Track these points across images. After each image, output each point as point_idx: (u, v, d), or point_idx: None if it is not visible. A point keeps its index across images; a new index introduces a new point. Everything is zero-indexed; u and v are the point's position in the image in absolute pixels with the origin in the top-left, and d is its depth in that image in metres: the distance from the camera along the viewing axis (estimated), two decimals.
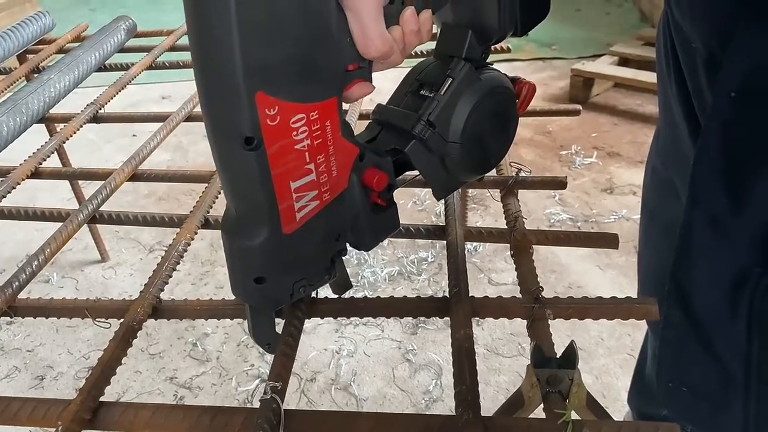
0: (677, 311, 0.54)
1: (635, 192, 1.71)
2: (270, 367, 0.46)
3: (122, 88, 1.00)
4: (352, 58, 0.38)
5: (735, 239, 0.48)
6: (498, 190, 0.70)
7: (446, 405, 1.15)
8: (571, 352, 0.45)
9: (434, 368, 1.22)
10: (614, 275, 1.43)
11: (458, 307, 0.52)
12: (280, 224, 0.38)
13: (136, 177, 0.78)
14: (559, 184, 0.70)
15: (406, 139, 0.42)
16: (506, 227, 0.62)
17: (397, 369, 1.23)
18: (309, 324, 1.34)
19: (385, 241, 1.61)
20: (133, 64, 1.08)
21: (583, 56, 2.66)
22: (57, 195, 1.82)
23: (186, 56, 1.27)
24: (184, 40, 1.23)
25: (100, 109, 0.93)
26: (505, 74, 0.46)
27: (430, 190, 0.47)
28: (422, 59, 0.46)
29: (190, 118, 0.91)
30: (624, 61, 2.32)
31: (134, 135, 2.28)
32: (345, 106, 0.43)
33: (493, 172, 0.73)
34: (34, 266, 0.60)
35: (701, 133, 0.49)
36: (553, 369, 0.45)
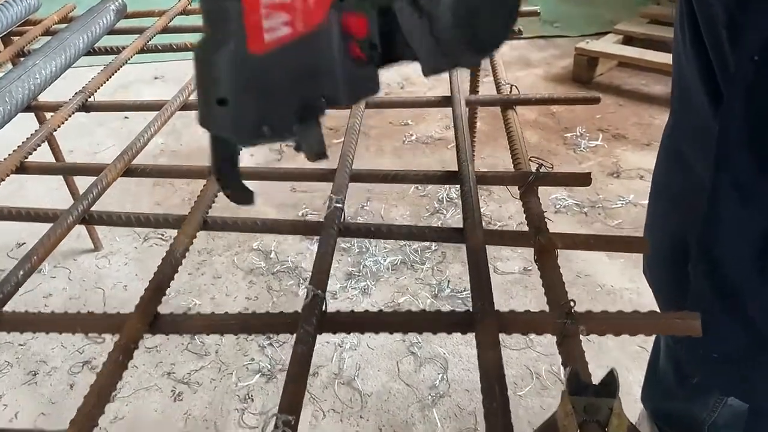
0: (704, 281, 0.54)
1: (642, 176, 1.67)
2: (280, 396, 0.42)
3: (113, 74, 0.94)
4: None
5: (763, 202, 0.48)
6: (516, 187, 0.66)
7: (453, 400, 1.12)
8: (611, 379, 0.41)
9: (440, 362, 1.19)
10: (623, 264, 1.39)
11: (484, 324, 0.48)
12: (246, 40, 0.36)
13: (129, 172, 0.73)
14: (584, 179, 0.66)
15: None
16: (527, 228, 0.58)
17: (402, 363, 1.19)
18: None
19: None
20: (124, 48, 1.02)
21: (585, 34, 2.60)
22: (46, 183, 1.76)
23: (179, 38, 1.22)
24: (177, 21, 1.17)
25: (90, 96, 0.88)
26: None
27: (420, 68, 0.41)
28: None
29: (185, 107, 0.85)
30: (628, 40, 2.26)
31: (126, 117, 2.21)
32: None
33: (510, 167, 0.69)
34: (19, 276, 0.55)
35: (724, 99, 0.48)
36: (591, 397, 0.41)
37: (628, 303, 1.28)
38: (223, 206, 0.60)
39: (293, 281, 1.40)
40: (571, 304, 0.49)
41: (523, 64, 2.36)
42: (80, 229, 1.61)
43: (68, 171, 0.77)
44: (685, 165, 0.65)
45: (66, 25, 1.12)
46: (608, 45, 2.16)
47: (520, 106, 0.81)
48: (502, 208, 1.60)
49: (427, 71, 0.41)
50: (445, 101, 0.83)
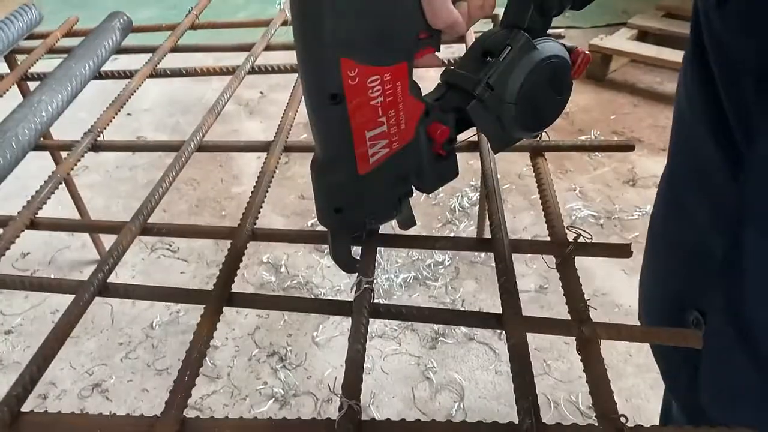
0: (722, 324, 0.53)
1: (657, 184, 1.64)
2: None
3: (122, 107, 0.90)
4: (422, 28, 0.44)
5: None
6: (553, 257, 0.63)
7: None
8: None
9: (456, 389, 1.17)
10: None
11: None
12: (356, 166, 0.47)
13: (146, 231, 0.70)
14: (624, 251, 0.63)
15: (467, 98, 0.48)
16: (569, 315, 0.55)
17: (417, 389, 1.18)
18: (323, 337, 1.29)
19: None
20: (131, 72, 0.98)
21: (598, 25, 2.54)
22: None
23: (190, 61, 1.17)
24: (187, 39, 1.13)
25: (99, 135, 0.84)
26: (563, 44, 0.49)
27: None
28: (490, 29, 0.51)
29: (201, 148, 0.82)
30: (643, 35, 2.21)
31: (129, 114, 2.17)
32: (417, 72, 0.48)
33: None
34: (33, 370, 0.53)
35: (748, 160, 0.46)
36: None
37: None
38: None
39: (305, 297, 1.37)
40: (620, 419, 0.47)
41: None
42: (86, 239, 1.58)
43: (80, 228, 0.74)
44: (684, 219, 0.62)
45: (70, 43, 1.08)
46: (622, 42, 2.10)
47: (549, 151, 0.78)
48: (516, 219, 1.57)
49: (496, 150, 0.53)
50: (473, 147, 0.79)
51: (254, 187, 0.72)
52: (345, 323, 1.30)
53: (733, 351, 0.53)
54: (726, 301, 0.53)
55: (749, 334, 0.51)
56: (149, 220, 0.71)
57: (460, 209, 1.62)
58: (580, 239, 0.63)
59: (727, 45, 0.47)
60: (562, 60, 0.48)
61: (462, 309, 0.57)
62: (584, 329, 0.52)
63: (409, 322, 1.30)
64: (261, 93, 2.21)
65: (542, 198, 0.69)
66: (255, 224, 0.68)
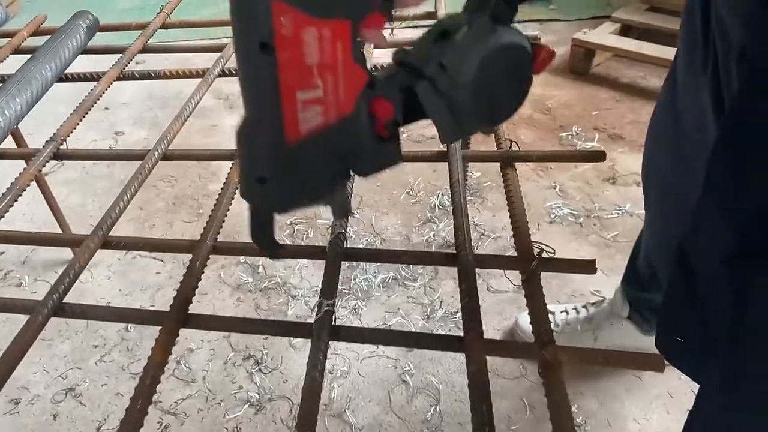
0: (679, 274, 0.60)
1: (638, 183, 1.63)
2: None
3: (86, 113, 0.88)
4: None
5: (737, 219, 0.53)
6: (518, 272, 0.62)
7: None
8: None
9: (432, 392, 1.17)
10: (619, 280, 1.37)
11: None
12: (284, 132, 0.42)
13: (106, 245, 0.68)
14: (588, 267, 0.62)
15: (417, 78, 0.45)
16: (533, 341, 0.54)
17: (394, 392, 1.17)
18: (299, 340, 1.28)
19: (378, 242, 1.52)
20: (98, 74, 0.96)
21: (582, 18, 2.52)
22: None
23: (160, 63, 1.14)
24: (157, 38, 1.10)
25: (62, 144, 0.82)
26: (527, 36, 0.46)
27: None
28: (453, 12, 0.48)
29: (166, 157, 0.80)
30: (626, 29, 2.19)
31: (107, 108, 2.13)
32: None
33: (512, 250, 0.65)
34: None
35: (723, 118, 0.54)
36: None
37: None
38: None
39: (282, 299, 1.36)
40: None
41: None
42: None
43: (39, 242, 0.72)
44: (687, 165, 0.72)
45: (37, 43, 1.05)
46: (605, 36, 2.09)
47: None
48: (495, 218, 1.56)
49: (444, 140, 0.48)
50: (441, 156, 0.78)
51: (217, 199, 0.71)
52: None
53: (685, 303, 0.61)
54: (683, 254, 0.60)
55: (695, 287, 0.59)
56: (117, 229, 0.69)
57: (440, 207, 1.60)
58: (544, 254, 0.62)
59: (724, 25, 0.55)
60: (523, 50, 0.45)
61: (427, 335, 0.56)
62: (546, 353, 0.52)
63: (387, 324, 1.29)
64: None
65: (511, 212, 0.67)
66: (216, 238, 0.66)
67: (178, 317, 0.57)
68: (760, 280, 0.54)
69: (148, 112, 2.11)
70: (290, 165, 0.44)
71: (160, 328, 0.56)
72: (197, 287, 0.62)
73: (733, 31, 0.53)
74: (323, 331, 0.53)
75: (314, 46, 0.39)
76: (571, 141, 1.82)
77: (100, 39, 1.12)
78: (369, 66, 0.46)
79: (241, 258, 1.48)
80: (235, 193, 0.73)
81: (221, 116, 2.04)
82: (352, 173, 0.48)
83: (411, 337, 0.56)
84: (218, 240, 0.67)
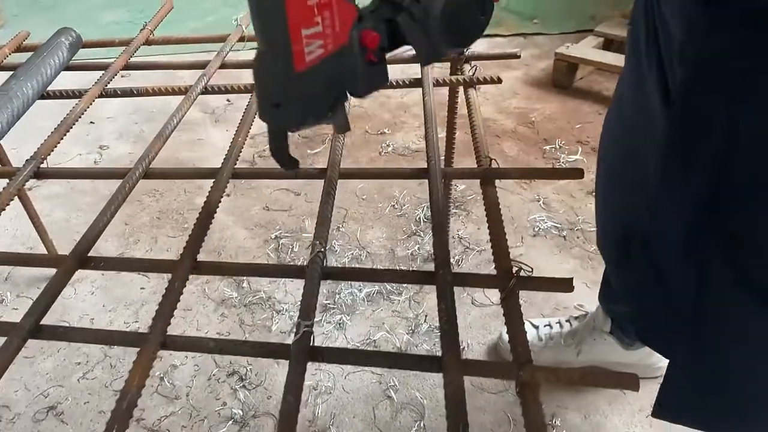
0: (643, 258, 0.67)
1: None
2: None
3: (67, 131, 0.88)
4: None
5: (691, 202, 0.59)
6: (497, 291, 0.63)
7: None
8: None
9: (417, 408, 1.17)
10: None
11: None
12: (293, 62, 0.50)
13: (84, 265, 0.68)
14: (567, 285, 0.63)
15: (398, 10, 0.54)
16: (511, 360, 0.54)
17: (378, 408, 1.17)
18: None
19: (363, 255, 1.52)
20: (80, 92, 0.96)
21: (565, 32, 2.55)
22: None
23: (146, 77, 1.14)
24: (140, 53, 1.10)
25: (42, 162, 0.82)
26: None
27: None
28: None
29: (147, 175, 0.80)
30: (609, 42, 2.22)
31: (92, 122, 2.13)
32: None
33: (492, 269, 0.65)
34: None
35: (670, 110, 0.60)
36: None
37: None
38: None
39: (266, 314, 1.36)
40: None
41: (502, 65, 2.30)
42: (43, 251, 1.55)
43: (18, 263, 0.72)
44: (639, 160, 0.76)
45: (19, 60, 1.05)
46: (588, 50, 2.11)
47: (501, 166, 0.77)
48: (480, 231, 1.57)
49: (423, 62, 0.58)
50: (422, 173, 0.79)
51: (197, 219, 0.71)
52: None
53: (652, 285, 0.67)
54: (642, 233, 0.67)
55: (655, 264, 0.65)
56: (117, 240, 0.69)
57: (426, 220, 1.61)
58: (523, 273, 0.62)
59: (667, 24, 0.61)
60: None
61: (404, 353, 0.56)
62: (523, 373, 0.52)
63: (372, 339, 1.29)
64: (228, 100, 2.19)
65: (490, 230, 0.68)
66: (197, 257, 0.66)
67: (157, 340, 0.57)
68: (717, 259, 0.59)
69: (133, 126, 2.10)
70: (299, 90, 0.53)
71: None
72: (176, 308, 0.61)
73: (674, 30, 0.59)
74: (301, 353, 0.53)
75: None
76: (555, 154, 1.84)
77: (85, 53, 1.12)
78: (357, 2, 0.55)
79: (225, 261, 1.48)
80: (216, 212, 0.73)
81: (207, 130, 2.04)
82: (348, 95, 0.57)
83: (390, 358, 0.57)
84: (199, 260, 0.67)
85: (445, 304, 0.57)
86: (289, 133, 0.60)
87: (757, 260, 0.59)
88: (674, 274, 0.64)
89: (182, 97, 0.94)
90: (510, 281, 0.61)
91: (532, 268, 0.63)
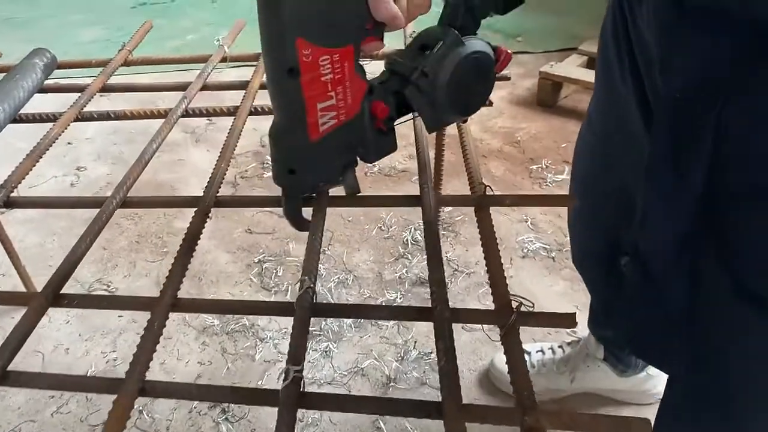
0: (637, 271, 0.66)
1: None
2: None
3: (39, 158, 0.84)
4: (367, 19, 0.52)
5: (681, 211, 0.59)
6: (497, 328, 0.59)
7: None
8: None
9: None
10: None
11: None
12: (308, 133, 0.55)
13: (57, 302, 0.64)
14: (570, 321, 0.60)
15: (406, 83, 0.58)
16: (514, 400, 0.51)
17: None
18: (269, 386, 1.23)
19: (350, 279, 1.48)
20: (54, 115, 0.92)
21: (550, 50, 2.56)
22: None
23: (121, 103, 1.11)
24: (120, 75, 1.07)
25: (12, 191, 0.78)
26: (488, 42, 0.59)
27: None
28: (429, 26, 0.60)
29: (125, 204, 0.76)
30: (593, 61, 2.22)
31: (69, 143, 2.07)
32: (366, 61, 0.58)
33: (491, 304, 0.62)
34: None
35: (654, 123, 0.60)
36: None
37: None
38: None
39: (249, 342, 1.31)
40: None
41: None
42: (16, 280, 1.49)
43: None
44: (616, 174, 0.76)
45: None
46: (572, 69, 2.11)
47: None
48: (468, 253, 1.54)
49: (429, 130, 0.63)
50: (414, 201, 0.76)
51: (177, 252, 0.67)
52: None
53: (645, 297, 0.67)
54: (634, 250, 0.65)
55: (649, 277, 0.65)
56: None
57: (413, 242, 1.58)
58: (523, 308, 0.59)
59: (644, 40, 0.62)
60: (486, 55, 0.59)
61: (403, 401, 0.52)
62: (527, 418, 0.49)
63: (360, 367, 1.25)
64: (209, 120, 2.15)
65: (487, 261, 0.65)
66: (177, 294, 0.63)
67: (135, 386, 0.52)
68: (712, 267, 0.59)
69: (112, 147, 2.05)
70: (313, 158, 0.57)
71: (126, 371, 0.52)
72: (155, 350, 0.57)
73: (651, 40, 0.60)
74: (290, 400, 0.49)
75: (328, 67, 0.53)
76: (541, 174, 1.82)
77: (61, 74, 1.08)
78: (368, 76, 0.58)
79: (207, 298, 1.43)
80: (197, 243, 0.69)
81: (188, 151, 1.99)
82: (359, 160, 0.62)
83: (384, 404, 0.53)
84: (179, 296, 0.63)
85: (444, 343, 0.54)
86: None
87: (754, 268, 0.58)
88: (667, 285, 0.64)
89: (162, 120, 0.90)
90: (510, 317, 0.58)
91: (533, 303, 0.59)
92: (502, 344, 0.57)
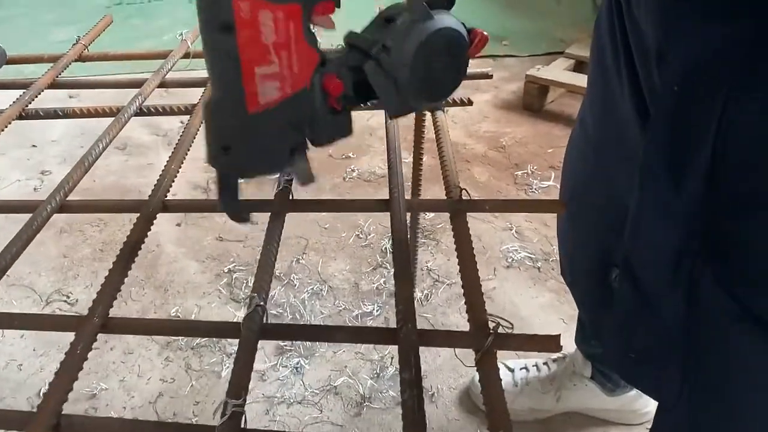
0: (627, 286, 0.61)
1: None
2: None
3: None
4: None
5: (676, 220, 0.55)
6: (472, 351, 0.52)
7: None
8: None
9: None
10: None
11: None
12: (245, 103, 0.47)
13: None
14: (554, 344, 0.52)
15: (365, 58, 0.50)
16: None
17: None
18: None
19: (325, 290, 1.41)
20: None
21: (535, 54, 2.50)
22: None
23: (69, 101, 1.02)
24: (71, 72, 0.99)
25: None
26: (462, 22, 0.51)
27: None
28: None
29: (63, 208, 0.68)
30: (580, 64, 2.17)
31: (34, 146, 1.98)
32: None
33: (466, 326, 0.55)
34: None
35: (650, 122, 0.56)
36: None
37: None
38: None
39: (216, 358, 1.23)
40: None
41: (471, 88, 2.23)
42: None
43: None
44: (609, 181, 0.72)
45: None
46: (559, 72, 2.05)
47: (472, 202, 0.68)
48: (450, 262, 1.47)
49: (391, 116, 0.55)
50: (384, 205, 0.69)
51: (112, 264, 0.59)
52: (262, 386, 1.17)
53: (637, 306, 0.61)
54: (626, 262, 0.61)
55: (642, 292, 0.60)
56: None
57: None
58: (501, 329, 0.52)
59: (640, 30, 0.58)
60: (458, 33, 0.50)
61: None
62: None
63: (333, 385, 1.17)
64: (182, 122, 2.06)
65: (462, 273, 0.58)
66: (108, 313, 0.55)
67: (48, 423, 0.45)
68: (705, 279, 0.54)
69: (78, 150, 1.96)
70: (251, 133, 0.49)
71: (82, 390, 0.44)
72: (77, 378, 0.50)
73: (649, 35, 0.56)
74: None
75: (270, 26, 0.45)
76: (527, 180, 1.76)
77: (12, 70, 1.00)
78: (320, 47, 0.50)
79: (173, 310, 1.35)
80: (137, 254, 0.62)
81: (159, 154, 1.90)
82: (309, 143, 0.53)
83: None
84: (110, 315, 0.55)
85: (408, 374, 0.47)
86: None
87: (760, 289, 0.53)
88: (660, 303, 0.59)
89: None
90: (486, 339, 0.51)
91: (512, 324, 0.52)
92: (477, 370, 0.50)
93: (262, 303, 0.53)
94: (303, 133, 0.52)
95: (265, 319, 0.53)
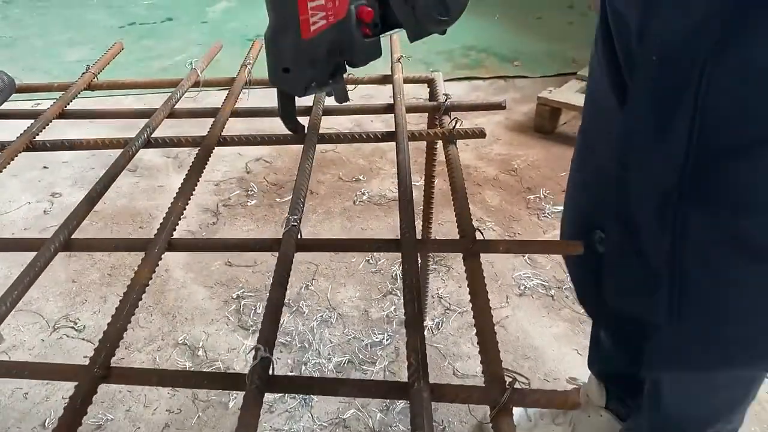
0: (617, 228, 0.67)
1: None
2: None
3: None
4: None
5: (659, 166, 0.59)
6: (488, 408, 0.50)
7: None
8: None
9: None
10: None
11: None
12: (300, 31, 0.58)
13: None
14: (571, 401, 0.50)
15: None
16: None
17: None
18: None
19: (334, 318, 1.38)
20: (2, 145, 0.83)
21: (547, 75, 2.49)
22: None
23: (78, 131, 1.01)
24: (81, 102, 0.98)
25: None
26: None
27: None
28: None
29: (67, 247, 0.67)
30: None
31: (45, 167, 1.99)
32: None
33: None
34: None
35: (629, 92, 0.62)
36: None
37: None
38: None
39: None
40: None
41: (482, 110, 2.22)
42: None
43: None
44: (596, 160, 0.77)
45: None
46: (571, 95, 2.03)
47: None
48: (461, 289, 1.44)
49: (411, 39, 0.64)
50: (395, 246, 0.67)
51: (116, 309, 0.57)
52: (269, 418, 1.15)
53: (627, 255, 0.66)
54: (617, 214, 0.66)
55: (636, 237, 0.64)
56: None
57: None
58: (517, 384, 0.50)
59: (621, 14, 0.61)
60: None
61: None
62: None
63: (342, 418, 1.15)
64: None
65: (477, 322, 0.56)
66: (109, 364, 0.53)
67: None
68: (695, 219, 0.59)
69: (89, 171, 1.96)
70: (305, 56, 0.60)
71: (88, 420, 0.42)
72: (80, 424, 0.48)
73: (630, 18, 0.59)
74: None
75: None
76: (539, 204, 1.73)
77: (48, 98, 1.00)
78: None
79: (180, 338, 1.33)
80: (142, 298, 0.60)
81: (169, 176, 1.90)
82: (347, 66, 0.64)
83: None
84: (112, 365, 0.53)
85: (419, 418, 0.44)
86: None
87: (754, 221, 0.58)
88: (648, 239, 0.63)
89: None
90: (502, 395, 0.49)
91: (528, 380, 0.50)
92: (491, 427, 0.48)
93: (267, 355, 0.52)
94: (343, 56, 0.63)
95: (272, 370, 0.52)
